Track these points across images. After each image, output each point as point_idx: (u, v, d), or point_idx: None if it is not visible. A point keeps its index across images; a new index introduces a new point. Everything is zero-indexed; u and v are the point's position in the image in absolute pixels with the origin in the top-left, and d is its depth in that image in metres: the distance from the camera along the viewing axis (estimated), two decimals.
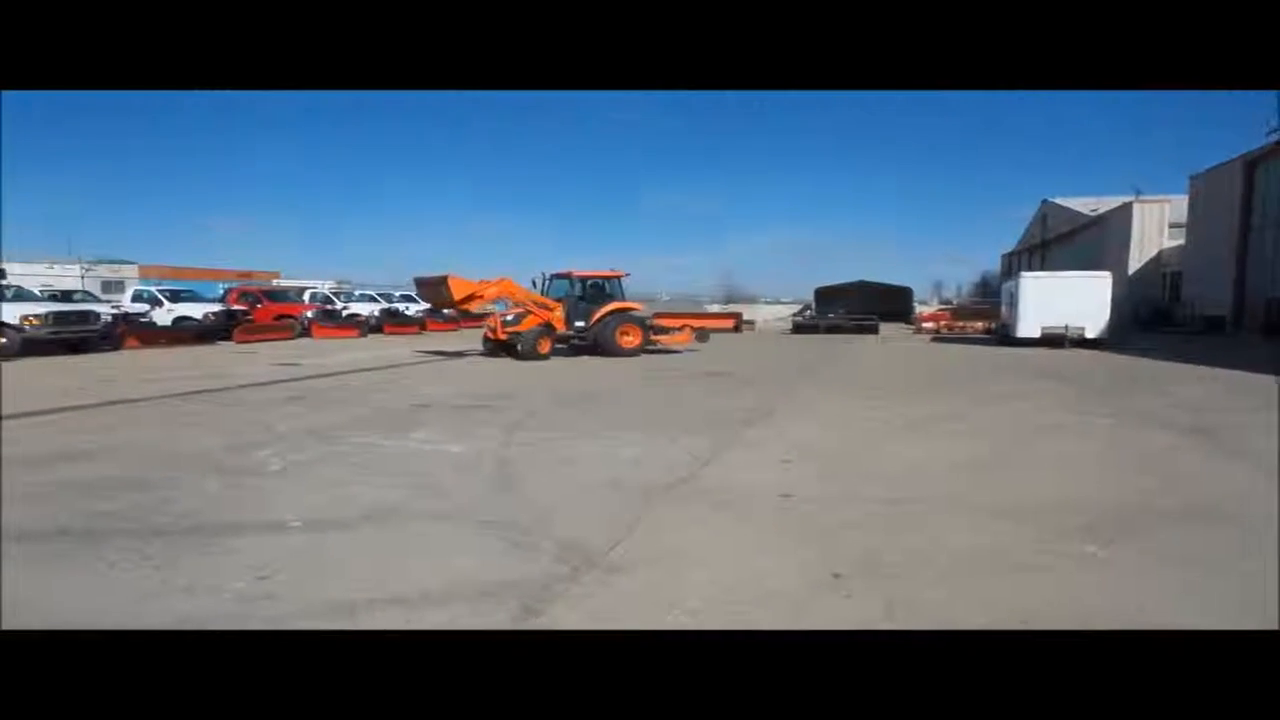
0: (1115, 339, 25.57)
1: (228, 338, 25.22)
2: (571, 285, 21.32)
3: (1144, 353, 22.08)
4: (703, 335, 25.42)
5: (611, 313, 21.02)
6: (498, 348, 20.18)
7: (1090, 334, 24.81)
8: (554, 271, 21.77)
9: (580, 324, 20.83)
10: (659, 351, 22.07)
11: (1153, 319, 37.29)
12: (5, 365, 17.04)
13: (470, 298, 20.15)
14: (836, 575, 4.47)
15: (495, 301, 22.03)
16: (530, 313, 20.18)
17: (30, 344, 18.84)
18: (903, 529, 5.39)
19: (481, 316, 26.02)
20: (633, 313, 21.74)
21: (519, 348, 19.34)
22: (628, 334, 20.86)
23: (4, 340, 18.20)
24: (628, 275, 22.35)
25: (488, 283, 20.34)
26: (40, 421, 9.82)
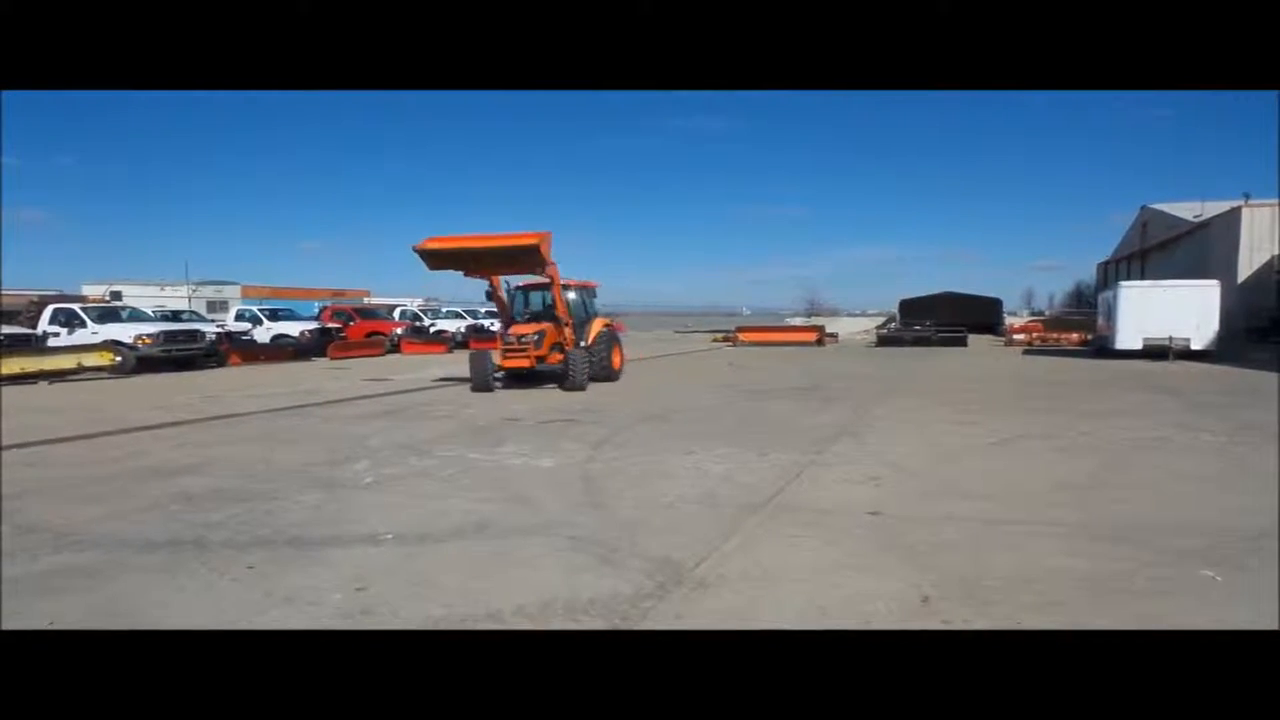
0: (1224, 351, 24.20)
1: (322, 354, 26.16)
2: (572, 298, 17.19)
3: (1255, 365, 20.81)
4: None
5: (603, 331, 17.45)
6: (489, 377, 15.53)
7: (1196, 345, 23.50)
8: (529, 280, 17.30)
9: (583, 344, 16.69)
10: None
11: (1266, 329, 35.15)
12: (122, 382, 18.09)
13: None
14: (925, 599, 4.34)
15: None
16: (545, 331, 16.05)
17: (143, 361, 19.97)
18: (1002, 550, 5.22)
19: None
20: (614, 330, 18.57)
21: (569, 375, 15.43)
22: (614, 355, 17.82)
23: (120, 358, 19.32)
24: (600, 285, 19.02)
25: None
26: (154, 436, 10.38)
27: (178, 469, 8.08)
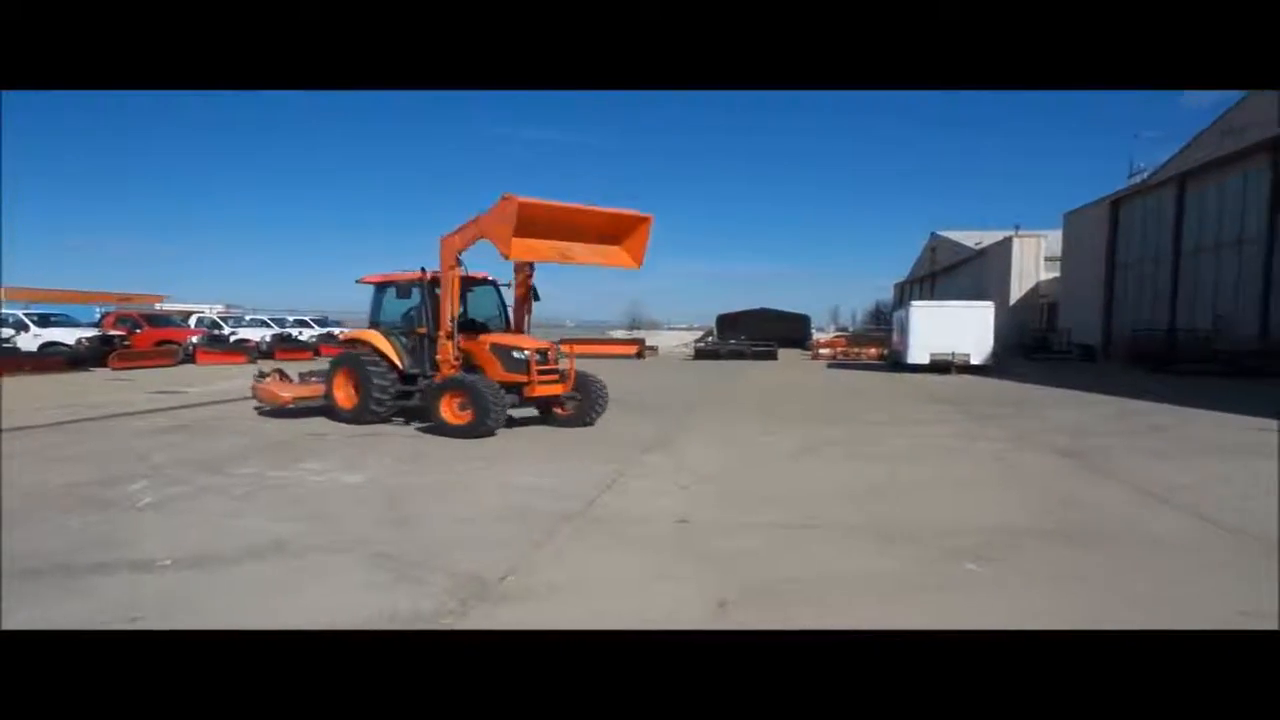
0: (998, 365, 26.91)
1: (103, 364, 23.76)
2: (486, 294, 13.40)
3: (1023, 378, 23.29)
4: None
5: None
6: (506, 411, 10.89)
7: (975, 360, 26.05)
8: (439, 270, 11.83)
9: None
10: None
11: (1032, 346, 39.50)
12: None
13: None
14: (722, 604, 4.48)
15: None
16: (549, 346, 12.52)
17: None
18: (797, 554, 5.49)
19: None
20: None
21: (595, 404, 12.47)
22: None
23: None
24: None
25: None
26: None
27: None
